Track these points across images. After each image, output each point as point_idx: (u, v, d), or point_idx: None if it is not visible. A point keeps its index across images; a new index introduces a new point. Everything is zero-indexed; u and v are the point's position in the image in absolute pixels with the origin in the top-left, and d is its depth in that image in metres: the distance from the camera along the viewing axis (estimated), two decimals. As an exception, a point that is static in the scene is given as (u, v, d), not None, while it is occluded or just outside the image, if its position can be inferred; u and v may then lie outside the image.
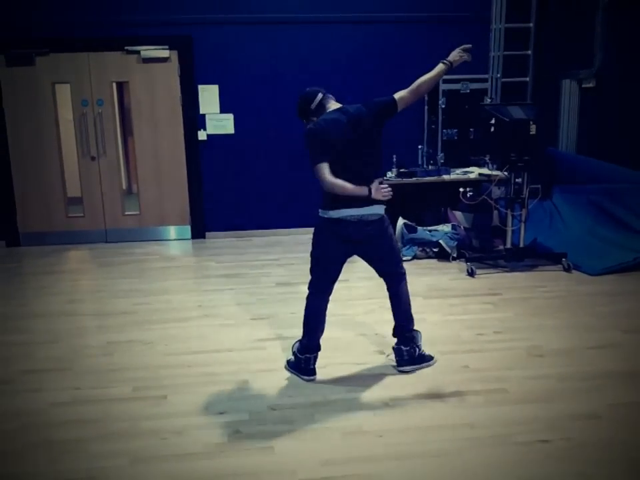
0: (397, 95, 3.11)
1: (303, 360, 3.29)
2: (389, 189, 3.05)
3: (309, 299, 3.31)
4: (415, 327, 3.41)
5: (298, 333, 3.39)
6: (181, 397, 3.13)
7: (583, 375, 3.25)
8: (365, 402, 3.02)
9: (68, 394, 3.20)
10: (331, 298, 3.33)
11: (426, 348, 3.47)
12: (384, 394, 3.09)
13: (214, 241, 6.76)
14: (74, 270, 5.86)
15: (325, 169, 2.99)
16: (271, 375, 3.35)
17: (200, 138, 6.60)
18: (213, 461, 2.56)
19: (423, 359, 3.40)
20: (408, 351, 3.35)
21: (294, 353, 3.36)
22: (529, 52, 6.59)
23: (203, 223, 6.85)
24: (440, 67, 3.21)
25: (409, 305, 3.40)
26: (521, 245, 5.31)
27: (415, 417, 2.87)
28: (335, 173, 2.99)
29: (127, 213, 6.80)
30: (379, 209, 3.15)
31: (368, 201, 3.03)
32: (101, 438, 2.76)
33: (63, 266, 5.99)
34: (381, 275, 3.37)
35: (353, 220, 3.08)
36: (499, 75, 6.46)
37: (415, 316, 3.43)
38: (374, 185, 3.02)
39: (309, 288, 3.32)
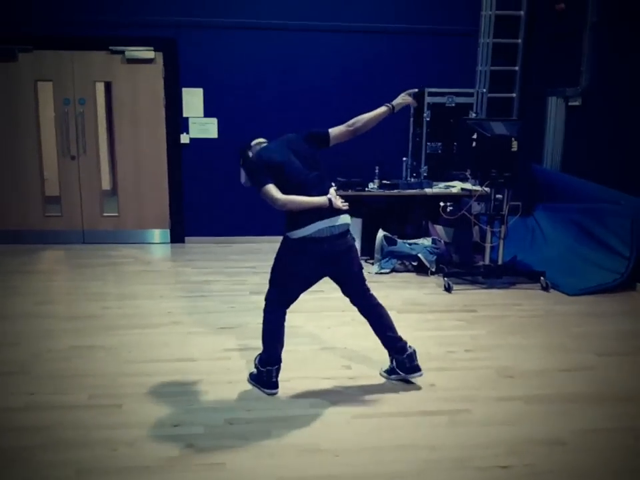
0: (332, 130, 3.17)
1: (265, 373, 3.20)
2: (343, 200, 2.99)
3: (268, 311, 3.21)
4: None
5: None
6: (137, 407, 3.03)
7: (551, 398, 3.18)
8: (326, 419, 2.94)
9: (22, 399, 3.10)
10: (303, 308, 3.25)
11: (393, 364, 3.39)
12: (346, 411, 3.01)
13: (193, 246, 6.67)
14: (47, 270, 5.75)
15: (272, 190, 2.94)
16: (233, 387, 3.26)
17: (182, 141, 6.53)
18: (161, 475, 2.47)
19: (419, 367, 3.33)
20: (408, 358, 3.26)
21: (256, 366, 3.27)
22: (516, 68, 6.57)
23: (183, 228, 6.77)
24: (382, 109, 3.23)
25: (388, 314, 3.32)
26: (500, 262, 5.25)
27: (375, 436, 2.79)
28: (286, 192, 2.95)
29: (105, 215, 6.70)
30: (347, 219, 3.07)
31: (332, 211, 2.96)
32: (50, 447, 2.67)
33: (36, 266, 5.88)
34: (351, 296, 3.27)
35: (325, 235, 2.98)
36: (484, 90, 6.43)
37: None
38: (331, 192, 2.95)
39: (266, 300, 3.22)
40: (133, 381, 3.31)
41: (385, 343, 3.31)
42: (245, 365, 3.51)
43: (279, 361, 3.22)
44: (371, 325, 3.30)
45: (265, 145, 3.20)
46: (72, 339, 3.93)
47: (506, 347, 3.88)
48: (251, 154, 3.19)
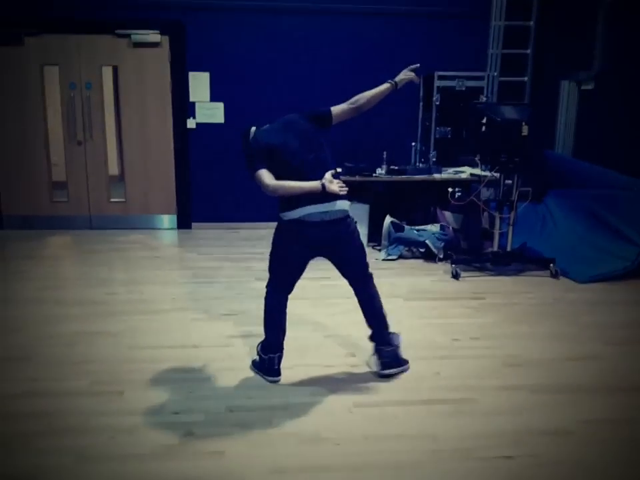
0: (334, 108, 3.10)
1: (267, 360, 3.17)
2: (343, 184, 2.89)
3: (268, 297, 3.18)
4: (391, 329, 3.27)
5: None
6: (138, 394, 3.01)
7: (557, 388, 3.12)
8: (327, 407, 2.91)
9: (24, 385, 3.09)
10: (308, 295, 3.20)
11: (404, 354, 3.34)
12: (348, 400, 2.97)
13: (200, 232, 6.65)
14: (53, 256, 5.75)
15: (264, 175, 2.89)
16: (235, 374, 3.23)
17: (189, 126, 6.48)
18: (159, 463, 2.45)
19: (404, 362, 3.27)
20: (389, 353, 3.21)
21: (258, 353, 3.24)
22: (528, 51, 6.45)
23: (190, 213, 6.74)
24: (385, 85, 3.18)
25: (382, 306, 3.25)
26: (509, 248, 5.17)
27: (376, 425, 2.75)
28: (281, 179, 2.90)
29: (112, 200, 6.69)
30: (344, 205, 2.99)
31: (327, 196, 2.87)
32: (49, 433, 2.66)
33: (43, 251, 5.88)
34: (348, 279, 3.21)
35: (315, 220, 2.91)
36: (496, 74, 6.31)
37: (392, 318, 3.30)
38: (327, 177, 2.86)
39: (267, 286, 3.19)
40: (135, 368, 3.30)
41: (374, 334, 3.25)
42: (248, 352, 3.48)
43: (280, 348, 3.18)
44: (363, 313, 3.25)
45: (262, 128, 3.13)
46: (76, 324, 3.92)
47: (513, 335, 3.83)
48: (251, 139, 3.13)
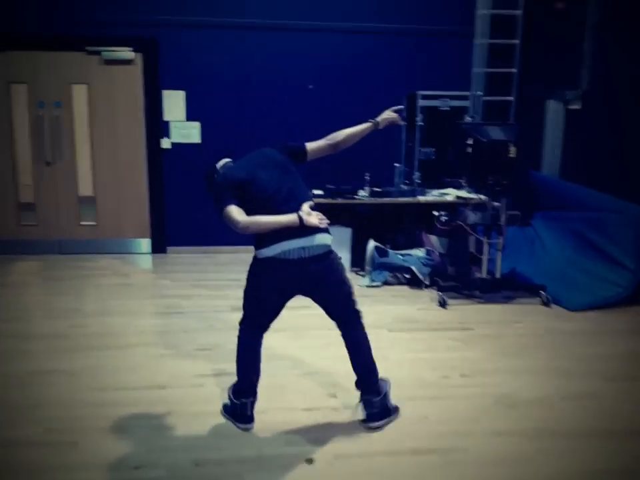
0: (309, 144, 2.93)
1: (239, 405, 2.88)
2: (323, 216, 2.65)
3: (241, 336, 2.90)
4: (379, 371, 2.97)
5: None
6: (95, 444, 2.71)
7: (554, 432, 2.86)
8: (305, 459, 2.62)
9: (-33, 434, 2.78)
10: (284, 327, 2.92)
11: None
12: (328, 449, 2.69)
13: (175, 257, 6.35)
14: (15, 283, 5.38)
15: (233, 211, 2.63)
16: (204, 420, 2.94)
17: (163, 146, 6.21)
18: (112, 533, 2.15)
19: (393, 411, 2.96)
20: (377, 403, 2.89)
21: (229, 397, 2.95)
22: (514, 69, 6.28)
23: (164, 237, 6.45)
24: (365, 125, 3.02)
25: (370, 351, 2.94)
26: (497, 275, 4.95)
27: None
28: (251, 211, 2.65)
29: (82, 223, 6.38)
30: (325, 239, 2.71)
31: (305, 230, 2.61)
32: (-9, 494, 2.35)
33: (6, 278, 5.53)
34: (334, 321, 2.92)
35: (293, 257, 2.63)
36: (480, 93, 6.13)
37: (377, 351, 3.00)
38: (304, 209, 2.62)
39: (240, 324, 2.92)
40: (94, 413, 2.99)
41: (358, 381, 2.95)
42: (219, 394, 3.19)
43: (254, 392, 2.90)
44: (349, 356, 2.95)
45: (230, 165, 2.90)
46: (32, 362, 3.60)
47: (505, 371, 3.57)
48: (216, 176, 2.88)
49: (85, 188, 6.36)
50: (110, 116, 6.14)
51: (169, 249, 6.46)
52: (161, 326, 4.26)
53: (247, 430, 2.85)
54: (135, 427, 2.87)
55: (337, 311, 2.87)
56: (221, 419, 2.94)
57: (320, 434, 2.82)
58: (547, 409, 3.11)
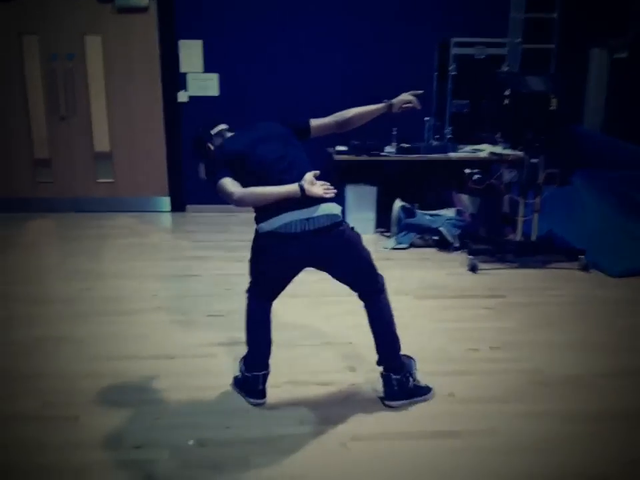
0: (314, 121, 2.72)
1: (250, 379, 2.68)
2: (328, 184, 2.39)
3: (249, 305, 2.67)
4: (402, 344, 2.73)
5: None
6: (96, 420, 2.55)
7: (592, 415, 2.61)
8: (319, 441, 2.41)
9: (-36, 406, 2.64)
10: (300, 293, 2.69)
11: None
12: (344, 430, 2.48)
13: (194, 215, 6.15)
14: (29, 244, 5.24)
15: (226, 184, 2.42)
16: (213, 394, 2.75)
17: (180, 100, 5.93)
18: (105, 521, 1.99)
19: (418, 392, 2.70)
20: (399, 380, 2.65)
21: (240, 370, 2.76)
22: (555, 15, 5.79)
23: (183, 195, 6.23)
24: (378, 106, 2.78)
25: (393, 324, 2.70)
26: (533, 237, 4.62)
27: (374, 465, 2.26)
28: (249, 184, 2.42)
29: (99, 181, 6.19)
30: (332, 208, 2.45)
31: (309, 200, 2.36)
32: (-18, 473, 2.21)
33: (19, 238, 5.39)
34: (354, 290, 2.67)
35: (296, 231, 2.38)
36: (519, 40, 5.67)
37: (400, 320, 2.76)
38: (306, 178, 2.35)
39: (247, 291, 2.68)
40: (97, 384, 2.83)
41: (380, 355, 2.72)
42: (231, 366, 2.99)
43: (266, 366, 2.69)
44: (372, 332, 2.71)
45: (229, 136, 2.65)
46: (37, 328, 3.45)
47: (538, 343, 3.30)
48: (212, 146, 2.64)
49: (101, 143, 6.15)
50: (125, 68, 5.88)
51: (188, 207, 6.25)
52: (174, 290, 4.08)
53: (257, 405, 2.65)
54: (139, 401, 2.69)
55: (357, 284, 2.64)
56: (231, 394, 2.75)
57: (335, 412, 2.61)
58: (584, 387, 2.85)
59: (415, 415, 2.61)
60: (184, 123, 6.01)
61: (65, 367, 3.01)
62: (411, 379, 2.69)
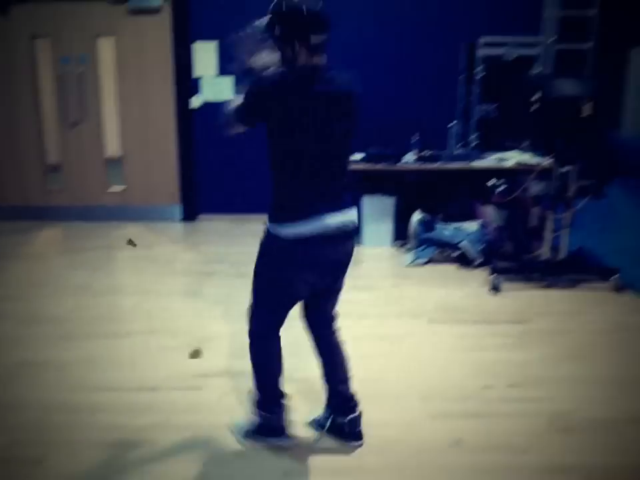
0: None
1: (273, 418, 2.36)
2: None
3: (257, 345, 2.30)
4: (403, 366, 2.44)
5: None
6: (62, 464, 2.30)
7: (626, 470, 2.26)
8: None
9: None
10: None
11: (415, 401, 2.57)
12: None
13: (206, 224, 5.92)
14: (32, 255, 5.05)
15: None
16: (194, 433, 2.48)
17: (193, 105, 5.70)
18: None
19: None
20: (351, 421, 2.40)
21: (257, 414, 2.38)
22: (593, 13, 5.39)
23: (195, 203, 6.01)
24: None
25: (348, 363, 2.44)
26: (562, 255, 4.24)
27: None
28: (281, 159, 2.06)
29: (111, 189, 6.01)
30: (355, 213, 2.19)
31: (337, 199, 2.10)
32: None
33: (22, 248, 5.21)
34: (316, 320, 2.38)
35: (334, 233, 2.09)
36: (553, 40, 5.29)
37: (412, 344, 2.54)
38: None
39: (254, 327, 2.29)
40: (71, 419, 2.59)
41: (331, 396, 2.43)
42: (214, 400, 2.73)
43: (283, 395, 2.38)
44: (323, 366, 2.41)
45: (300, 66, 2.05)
46: (20, 351, 3.23)
47: (564, 380, 2.95)
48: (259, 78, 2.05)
49: (113, 150, 5.99)
50: (138, 71, 5.69)
51: (201, 216, 6.03)
52: (171, 309, 3.83)
53: (285, 446, 2.36)
54: (112, 442, 2.44)
55: (327, 307, 2.36)
56: (215, 434, 2.48)
57: (319, 462, 2.31)
58: (615, 435, 2.49)
59: (417, 463, 2.29)
60: (197, 128, 5.78)
61: (41, 397, 2.78)
62: (358, 421, 2.41)
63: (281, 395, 2.38)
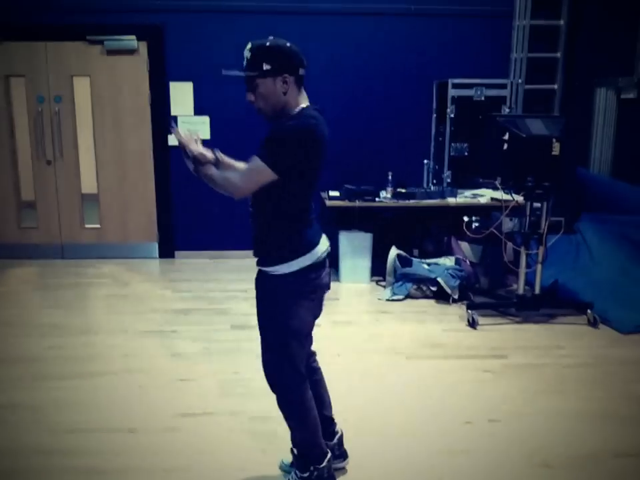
0: None
1: (324, 470, 2.25)
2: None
3: (292, 397, 2.21)
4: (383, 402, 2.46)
5: (231, 405, 2.54)
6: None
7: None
8: None
9: None
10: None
11: (396, 442, 2.59)
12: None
13: (183, 262, 5.88)
14: (4, 294, 4.90)
15: (262, 174, 2.01)
16: (175, 477, 2.43)
17: (170, 143, 5.72)
18: None
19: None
20: (339, 440, 2.48)
21: (308, 470, 2.24)
22: (558, 54, 5.60)
23: (172, 241, 5.98)
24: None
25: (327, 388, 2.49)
26: (537, 290, 4.31)
27: None
28: (289, 203, 2.09)
29: (86, 226, 5.96)
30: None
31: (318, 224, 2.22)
32: None
33: (-1, 287, 5.15)
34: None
35: (322, 259, 2.17)
36: (520, 81, 5.47)
37: (389, 382, 2.59)
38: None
39: (281, 380, 2.21)
40: (44, 464, 2.52)
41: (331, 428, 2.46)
42: (192, 441, 2.68)
43: (325, 444, 2.32)
44: (321, 399, 2.43)
45: (308, 107, 2.13)
46: (-8, 393, 3.16)
47: (542, 414, 2.97)
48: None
49: (88, 188, 5.96)
50: (114, 110, 5.69)
51: (178, 253, 5.99)
52: (148, 348, 3.77)
53: None
54: (87, 486, 2.38)
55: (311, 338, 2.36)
56: (193, 477, 2.43)
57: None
58: (595, 471, 2.51)
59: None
60: (173, 166, 5.79)
61: (13, 441, 2.70)
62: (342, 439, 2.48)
63: (323, 443, 2.30)
